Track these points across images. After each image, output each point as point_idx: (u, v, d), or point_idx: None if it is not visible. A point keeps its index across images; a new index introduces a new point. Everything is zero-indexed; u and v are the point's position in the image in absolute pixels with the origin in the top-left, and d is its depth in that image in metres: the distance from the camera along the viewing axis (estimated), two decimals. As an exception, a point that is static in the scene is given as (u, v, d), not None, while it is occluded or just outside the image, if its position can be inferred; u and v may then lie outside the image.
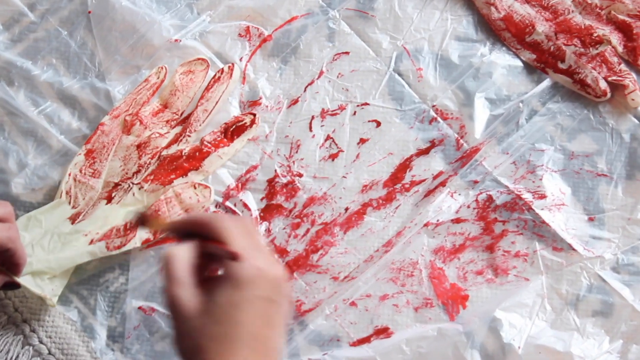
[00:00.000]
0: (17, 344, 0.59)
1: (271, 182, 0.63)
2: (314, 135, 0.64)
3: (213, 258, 0.45)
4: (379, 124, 0.64)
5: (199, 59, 0.66)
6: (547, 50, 0.65)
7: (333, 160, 0.64)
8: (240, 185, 0.63)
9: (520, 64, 0.66)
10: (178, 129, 0.64)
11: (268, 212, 0.63)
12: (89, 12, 0.68)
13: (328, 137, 0.64)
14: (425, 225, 0.61)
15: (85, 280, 0.61)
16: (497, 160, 0.63)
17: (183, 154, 0.62)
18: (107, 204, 0.61)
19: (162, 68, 0.66)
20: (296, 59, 0.67)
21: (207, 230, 0.45)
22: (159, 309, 0.60)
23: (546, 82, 0.65)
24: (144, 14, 0.67)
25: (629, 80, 0.63)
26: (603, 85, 0.63)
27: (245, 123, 0.64)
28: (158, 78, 0.65)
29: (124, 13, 0.67)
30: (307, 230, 0.62)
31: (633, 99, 0.63)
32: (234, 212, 0.62)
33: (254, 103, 0.65)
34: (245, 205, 0.62)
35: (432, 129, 0.64)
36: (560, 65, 0.64)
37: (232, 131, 0.64)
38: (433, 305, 0.60)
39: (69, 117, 0.65)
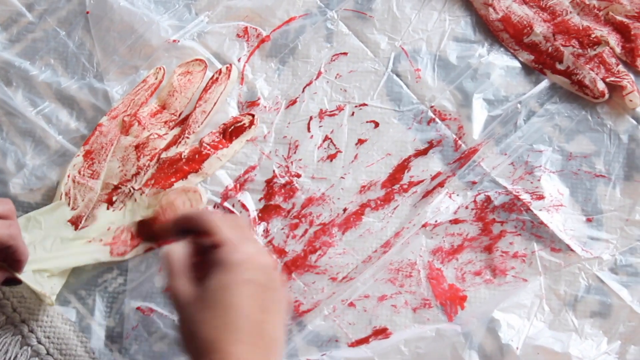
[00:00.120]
0: (15, 345, 0.59)
1: (269, 182, 0.63)
2: (312, 135, 0.64)
3: (208, 253, 0.46)
4: (377, 124, 0.64)
5: (196, 59, 0.66)
6: (545, 51, 0.65)
7: (331, 160, 0.64)
8: (238, 186, 0.63)
9: (518, 64, 0.66)
10: (176, 130, 0.64)
11: (266, 212, 0.63)
12: (87, 13, 0.68)
13: (326, 138, 0.64)
14: (424, 226, 0.61)
15: (83, 280, 0.61)
16: (495, 161, 0.63)
17: (182, 156, 0.62)
18: (108, 207, 0.61)
19: (160, 69, 0.66)
20: (294, 60, 0.67)
21: (197, 225, 0.47)
22: (158, 310, 0.60)
23: (544, 83, 0.65)
24: (142, 15, 0.67)
25: (627, 81, 0.63)
26: (601, 86, 0.63)
27: (244, 124, 0.64)
28: (156, 79, 0.65)
29: (122, 13, 0.67)
30: (306, 231, 0.62)
31: (631, 100, 0.63)
32: (232, 213, 0.62)
33: (252, 104, 0.65)
34: (243, 206, 0.62)
35: (430, 129, 0.64)
36: (558, 66, 0.64)
37: (231, 132, 0.64)
38: (431, 305, 0.60)
39: (67, 117, 0.65)
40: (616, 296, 0.59)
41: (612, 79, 0.63)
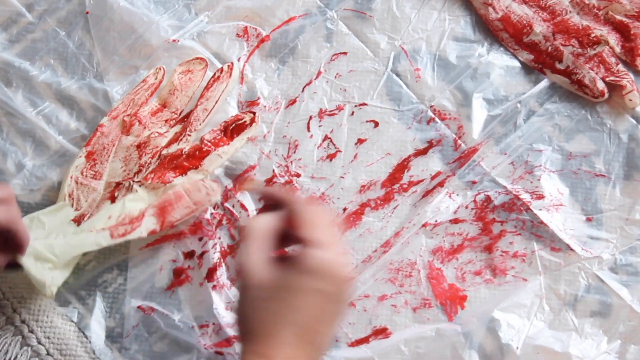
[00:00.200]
0: (15, 345, 0.59)
1: (269, 182, 0.63)
2: (311, 135, 0.64)
3: (290, 237, 0.46)
4: (376, 124, 0.64)
5: (197, 58, 0.66)
6: (545, 51, 0.65)
7: (331, 160, 0.64)
8: (238, 185, 0.63)
9: (518, 64, 0.66)
10: (177, 128, 0.64)
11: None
12: (87, 13, 0.68)
13: (326, 138, 0.64)
14: (424, 225, 0.61)
15: (83, 280, 0.61)
16: (495, 161, 0.63)
17: (183, 152, 0.62)
18: (111, 204, 0.61)
19: (159, 69, 0.66)
20: (294, 60, 0.67)
21: (292, 210, 0.46)
22: (158, 309, 0.60)
23: (544, 83, 0.65)
24: (141, 15, 0.67)
25: (627, 81, 0.63)
26: (601, 85, 0.63)
27: (245, 122, 0.64)
28: (156, 79, 0.65)
29: (122, 13, 0.67)
30: (305, 231, 0.62)
31: (630, 100, 0.63)
32: (232, 213, 0.62)
33: (252, 103, 0.65)
34: (242, 206, 0.62)
35: (430, 129, 0.64)
36: (558, 66, 0.64)
37: (232, 130, 0.64)
38: (431, 305, 0.60)
39: (67, 117, 0.65)
40: (616, 295, 0.59)
41: (612, 78, 0.63)
